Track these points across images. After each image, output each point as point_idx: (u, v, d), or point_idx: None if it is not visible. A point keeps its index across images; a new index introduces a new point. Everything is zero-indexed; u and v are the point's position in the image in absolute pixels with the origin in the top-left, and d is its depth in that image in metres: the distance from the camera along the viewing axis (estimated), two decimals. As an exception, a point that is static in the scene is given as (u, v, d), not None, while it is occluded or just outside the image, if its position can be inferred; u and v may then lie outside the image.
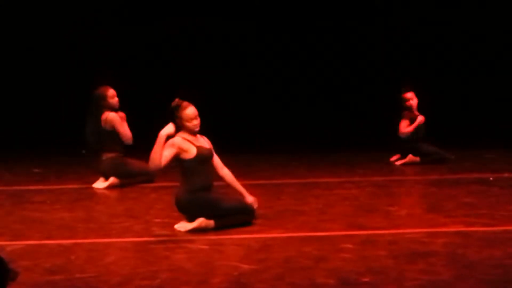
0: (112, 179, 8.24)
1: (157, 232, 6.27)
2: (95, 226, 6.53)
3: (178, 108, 6.24)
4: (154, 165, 6.03)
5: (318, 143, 10.66)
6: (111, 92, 8.36)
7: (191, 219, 6.31)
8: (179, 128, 6.23)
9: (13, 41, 13.34)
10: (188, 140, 6.26)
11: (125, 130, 8.28)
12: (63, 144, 11.54)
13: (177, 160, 6.24)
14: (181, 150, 6.21)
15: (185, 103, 6.28)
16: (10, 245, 5.85)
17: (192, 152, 6.24)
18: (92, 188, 8.24)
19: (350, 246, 5.76)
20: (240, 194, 6.47)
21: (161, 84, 12.70)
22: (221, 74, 13.61)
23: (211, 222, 6.28)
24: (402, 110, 9.62)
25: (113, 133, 8.26)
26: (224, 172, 6.51)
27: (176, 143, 6.19)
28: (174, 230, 6.32)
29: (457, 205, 7.18)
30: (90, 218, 6.82)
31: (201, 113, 6.28)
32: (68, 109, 13.05)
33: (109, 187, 8.21)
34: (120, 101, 8.38)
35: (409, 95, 9.67)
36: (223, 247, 5.81)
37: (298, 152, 10.02)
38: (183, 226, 6.33)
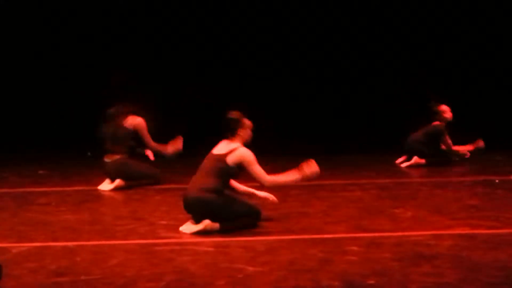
0: (118, 181, 8.25)
1: (162, 234, 6.28)
2: (100, 228, 6.53)
3: (242, 118, 6.44)
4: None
5: (323, 145, 10.65)
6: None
7: (198, 220, 6.32)
8: (233, 135, 6.40)
9: (19, 43, 13.36)
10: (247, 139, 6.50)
11: (149, 137, 8.43)
12: (68, 146, 11.57)
13: (223, 163, 6.31)
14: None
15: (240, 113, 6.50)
16: (15, 247, 5.86)
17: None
18: (97, 190, 8.25)
19: (355, 248, 5.75)
20: (251, 194, 6.71)
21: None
22: (221, 72, 13.61)
23: (216, 225, 6.28)
24: (432, 120, 9.70)
25: (133, 136, 8.38)
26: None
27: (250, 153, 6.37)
28: (179, 232, 6.33)
29: (462, 208, 7.17)
30: (95, 220, 6.83)
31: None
32: (73, 111, 13.09)
33: (115, 189, 8.23)
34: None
35: (444, 107, 9.76)
36: (228, 249, 5.81)
37: (302, 154, 10.01)
38: (188, 228, 6.33)
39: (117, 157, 8.31)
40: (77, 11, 13.39)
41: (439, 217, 6.81)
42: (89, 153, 10.78)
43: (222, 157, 6.32)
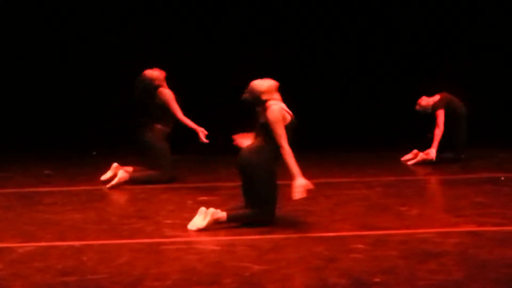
0: (121, 174, 8.30)
1: (168, 233, 6.29)
2: (107, 227, 6.54)
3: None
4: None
5: (329, 143, 10.67)
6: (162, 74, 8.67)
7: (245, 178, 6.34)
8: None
9: (25, 42, 13.38)
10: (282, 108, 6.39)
11: (176, 107, 8.53)
12: (74, 145, 11.59)
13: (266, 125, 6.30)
14: (283, 118, 6.33)
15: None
16: (22, 246, 5.87)
17: (287, 118, 6.38)
18: (103, 189, 8.25)
19: (361, 246, 5.75)
20: (294, 174, 6.34)
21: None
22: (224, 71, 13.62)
23: (223, 215, 6.30)
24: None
25: (164, 107, 8.50)
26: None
27: (280, 111, 6.32)
28: (185, 231, 6.33)
29: (468, 205, 7.17)
30: (101, 219, 6.84)
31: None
32: (78, 110, 13.10)
33: (118, 185, 8.25)
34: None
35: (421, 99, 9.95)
36: (234, 247, 5.81)
37: (308, 152, 10.02)
38: (194, 225, 6.34)
39: (158, 126, 8.58)
40: (83, 9, 13.40)
41: (445, 214, 6.80)
42: (94, 152, 10.80)
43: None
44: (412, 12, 13.53)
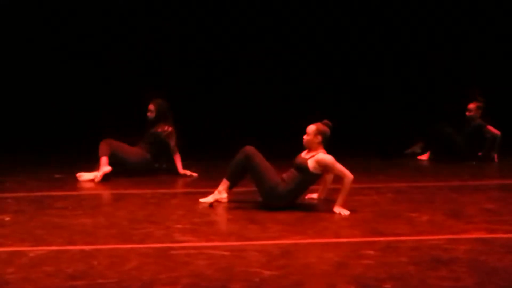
0: (103, 168, 8.87)
1: (178, 238, 6.29)
2: (116, 231, 6.55)
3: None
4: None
5: (338, 149, 10.62)
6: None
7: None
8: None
9: (35, 47, 13.44)
10: None
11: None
12: (84, 149, 11.61)
13: (304, 167, 7.15)
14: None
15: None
16: (32, 250, 5.89)
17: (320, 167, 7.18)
18: (114, 193, 8.27)
19: (371, 252, 5.74)
20: (336, 200, 7.19)
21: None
22: (229, 74, 13.64)
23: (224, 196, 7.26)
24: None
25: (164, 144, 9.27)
26: (343, 180, 7.22)
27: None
28: (195, 236, 6.34)
29: (478, 211, 7.15)
30: (111, 224, 6.85)
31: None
32: (90, 115, 13.14)
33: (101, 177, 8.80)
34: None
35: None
36: (244, 253, 5.81)
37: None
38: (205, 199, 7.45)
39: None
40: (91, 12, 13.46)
41: (455, 221, 6.78)
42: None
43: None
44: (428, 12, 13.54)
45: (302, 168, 7.15)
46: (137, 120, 9.88)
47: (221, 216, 6.97)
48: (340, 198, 7.09)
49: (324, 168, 7.15)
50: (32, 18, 13.39)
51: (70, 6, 13.41)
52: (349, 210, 7.16)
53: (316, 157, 7.16)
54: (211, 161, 10.27)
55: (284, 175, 7.26)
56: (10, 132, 12.66)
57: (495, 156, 10.22)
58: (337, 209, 7.08)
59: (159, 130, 9.19)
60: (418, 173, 9.47)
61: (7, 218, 7.04)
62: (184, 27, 13.75)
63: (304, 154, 7.30)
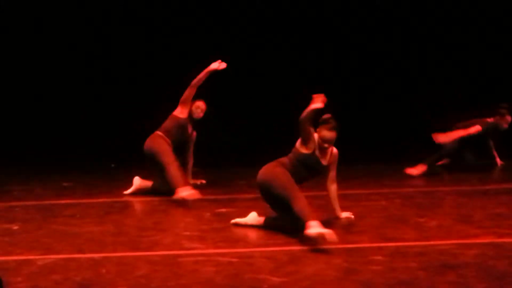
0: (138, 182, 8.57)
1: (186, 245, 6.29)
2: (125, 239, 6.56)
3: (324, 123, 6.63)
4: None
5: (345, 154, 10.62)
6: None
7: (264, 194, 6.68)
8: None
9: (45, 53, 13.49)
10: (318, 142, 6.61)
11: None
12: (92, 157, 11.63)
13: (295, 149, 6.63)
14: (309, 139, 6.55)
15: (330, 125, 6.64)
16: (41, 259, 5.90)
17: (309, 148, 6.60)
18: (121, 201, 8.27)
19: (379, 258, 5.73)
20: (334, 209, 7.04)
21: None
22: (234, 79, 13.63)
23: (261, 220, 6.71)
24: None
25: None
26: (332, 187, 6.97)
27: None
28: (203, 243, 6.34)
29: (487, 216, 7.12)
30: (119, 232, 6.86)
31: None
32: (97, 123, 13.17)
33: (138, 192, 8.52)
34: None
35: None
36: (252, 259, 5.81)
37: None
38: (236, 220, 6.91)
39: None
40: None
41: (464, 226, 6.77)
42: (113, 165, 10.84)
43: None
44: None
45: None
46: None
47: (228, 223, 6.97)
48: (337, 205, 7.06)
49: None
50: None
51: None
52: (357, 216, 7.15)
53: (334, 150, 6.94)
54: (218, 168, 10.26)
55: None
56: (18, 141, 12.69)
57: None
58: (345, 214, 7.06)
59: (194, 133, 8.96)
60: (426, 178, 9.45)
61: (16, 227, 7.06)
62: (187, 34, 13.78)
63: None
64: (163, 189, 8.36)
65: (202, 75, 8.39)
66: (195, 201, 8.08)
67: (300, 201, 6.32)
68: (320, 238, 6.01)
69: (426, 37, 13.80)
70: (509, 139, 10.31)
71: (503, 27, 13.58)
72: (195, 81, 8.43)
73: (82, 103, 13.55)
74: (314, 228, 6.07)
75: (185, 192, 7.95)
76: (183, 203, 7.96)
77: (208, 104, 8.77)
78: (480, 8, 13.56)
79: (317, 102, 6.41)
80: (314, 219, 6.17)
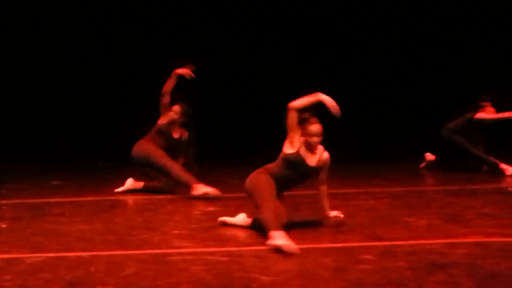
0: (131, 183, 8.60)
1: (175, 244, 6.29)
2: (114, 238, 6.55)
3: (305, 121, 6.56)
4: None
5: (335, 154, 10.66)
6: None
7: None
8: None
9: (41, 54, 13.45)
10: (305, 148, 6.59)
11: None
12: (81, 156, 11.61)
13: (282, 151, 6.59)
14: (293, 137, 6.52)
15: (313, 119, 6.58)
16: (29, 257, 5.88)
17: (294, 147, 6.57)
18: (111, 200, 8.27)
19: (369, 257, 5.74)
20: (324, 209, 6.90)
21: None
22: (228, 79, 13.63)
23: (249, 221, 6.69)
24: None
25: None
26: (322, 187, 6.87)
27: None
28: (192, 241, 6.34)
29: (476, 216, 7.15)
30: (109, 230, 6.85)
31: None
32: (86, 122, 13.15)
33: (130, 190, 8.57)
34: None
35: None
36: (242, 258, 5.81)
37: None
38: (224, 219, 6.88)
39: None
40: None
41: (453, 225, 6.79)
42: (100, 164, 10.82)
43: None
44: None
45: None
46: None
47: (217, 221, 6.97)
48: (327, 204, 6.95)
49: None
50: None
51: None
52: (346, 215, 7.16)
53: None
54: (210, 167, 10.26)
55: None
56: (7, 139, 12.65)
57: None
58: (333, 213, 7.05)
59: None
60: (415, 178, 9.48)
61: (4, 225, 7.04)
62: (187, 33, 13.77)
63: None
64: (168, 188, 8.53)
65: (169, 80, 8.56)
66: (184, 199, 8.09)
67: (267, 210, 6.27)
68: (279, 250, 5.92)
69: (426, 37, 13.83)
70: (499, 139, 10.36)
71: (503, 27, 13.63)
72: (164, 87, 8.59)
73: (81, 103, 13.53)
74: (275, 239, 6.01)
75: (207, 189, 8.19)
76: (172, 201, 7.95)
77: (189, 104, 8.80)
78: (480, 8, 13.60)
79: (333, 105, 6.58)
80: (277, 229, 6.09)
